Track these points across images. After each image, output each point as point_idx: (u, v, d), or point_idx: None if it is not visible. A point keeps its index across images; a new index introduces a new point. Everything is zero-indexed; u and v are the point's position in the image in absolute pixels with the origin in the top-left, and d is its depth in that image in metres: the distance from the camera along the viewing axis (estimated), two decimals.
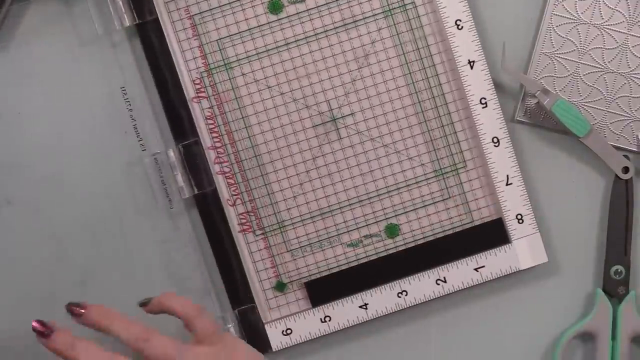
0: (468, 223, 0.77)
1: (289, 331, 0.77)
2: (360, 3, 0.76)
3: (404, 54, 0.76)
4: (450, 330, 0.78)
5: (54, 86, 0.77)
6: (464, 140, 0.77)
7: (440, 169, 0.77)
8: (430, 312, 0.78)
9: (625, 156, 0.77)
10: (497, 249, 0.76)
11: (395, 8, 0.76)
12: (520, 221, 0.76)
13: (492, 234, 0.76)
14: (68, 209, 0.77)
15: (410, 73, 0.76)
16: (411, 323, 0.78)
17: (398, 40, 0.76)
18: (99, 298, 0.76)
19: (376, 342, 0.79)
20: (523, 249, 0.76)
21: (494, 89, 0.75)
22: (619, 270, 0.77)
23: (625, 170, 0.77)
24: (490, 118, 0.76)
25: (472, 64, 0.75)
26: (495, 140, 0.76)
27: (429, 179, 0.77)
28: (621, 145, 0.77)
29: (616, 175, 0.77)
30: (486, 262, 0.76)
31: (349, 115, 0.77)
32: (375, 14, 0.76)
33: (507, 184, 0.76)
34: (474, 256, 0.76)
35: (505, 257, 0.76)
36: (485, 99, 0.76)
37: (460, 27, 0.75)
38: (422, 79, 0.76)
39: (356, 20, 0.76)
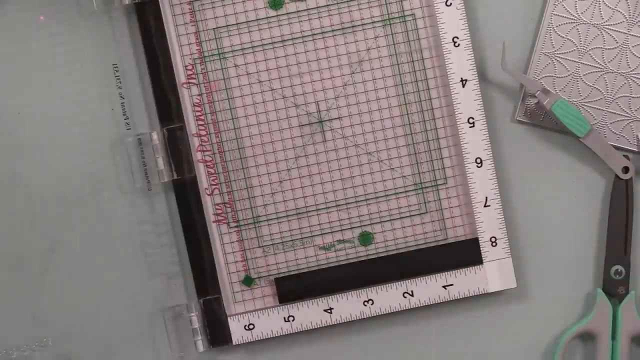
0: (442, 240, 0.77)
1: (251, 326, 0.77)
2: (361, 9, 0.76)
3: (397, 64, 0.76)
4: (449, 330, 0.79)
5: (48, 54, 0.77)
6: (447, 157, 0.77)
7: (421, 182, 0.77)
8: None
9: (625, 156, 0.77)
10: (468, 269, 0.76)
11: (394, 18, 0.76)
12: (494, 244, 0.76)
13: (465, 253, 0.76)
14: (45, 177, 0.77)
15: (402, 84, 0.76)
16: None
17: (394, 50, 0.76)
18: (66, 268, 0.77)
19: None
20: (493, 272, 0.76)
21: (483, 110, 0.76)
22: (619, 270, 0.77)
23: (625, 170, 0.77)
24: (476, 138, 0.76)
25: (464, 82, 0.75)
26: (478, 160, 0.76)
27: (408, 191, 0.77)
28: (621, 145, 0.77)
29: (616, 175, 0.77)
30: (455, 281, 0.76)
31: (336, 119, 0.77)
32: (374, 22, 0.76)
33: (485, 205, 0.76)
34: (443, 274, 0.76)
35: (475, 278, 0.76)
36: (473, 118, 0.76)
37: (457, 44, 0.75)
38: (413, 92, 0.76)
39: (354, 26, 0.76)
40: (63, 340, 0.78)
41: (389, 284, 0.77)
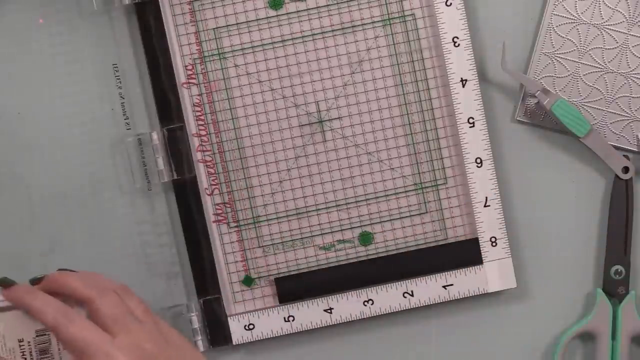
0: (442, 240, 0.77)
1: (251, 326, 0.77)
2: (361, 9, 0.76)
3: (398, 64, 0.76)
4: (449, 330, 0.79)
5: (48, 54, 0.77)
6: (447, 157, 0.77)
7: (421, 182, 0.77)
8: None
9: (625, 156, 0.77)
10: (468, 269, 0.76)
11: (394, 18, 0.76)
12: (494, 244, 0.76)
13: (466, 253, 0.76)
14: (46, 177, 0.77)
15: (402, 84, 0.76)
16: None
17: (394, 50, 0.76)
18: (66, 267, 0.77)
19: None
20: (493, 272, 0.76)
21: (483, 110, 0.76)
22: (619, 270, 0.77)
23: (625, 170, 0.77)
24: (476, 138, 0.76)
25: (464, 82, 0.75)
26: (478, 160, 0.76)
27: (408, 191, 0.77)
28: (621, 145, 0.77)
29: (616, 175, 0.77)
30: (455, 281, 0.76)
31: (336, 118, 0.77)
32: (374, 22, 0.76)
33: (485, 205, 0.76)
34: (443, 274, 0.76)
35: (475, 278, 0.76)
36: (473, 118, 0.76)
37: (457, 44, 0.75)
38: (413, 92, 0.76)
39: (354, 26, 0.76)
40: None
41: (389, 284, 0.77)
